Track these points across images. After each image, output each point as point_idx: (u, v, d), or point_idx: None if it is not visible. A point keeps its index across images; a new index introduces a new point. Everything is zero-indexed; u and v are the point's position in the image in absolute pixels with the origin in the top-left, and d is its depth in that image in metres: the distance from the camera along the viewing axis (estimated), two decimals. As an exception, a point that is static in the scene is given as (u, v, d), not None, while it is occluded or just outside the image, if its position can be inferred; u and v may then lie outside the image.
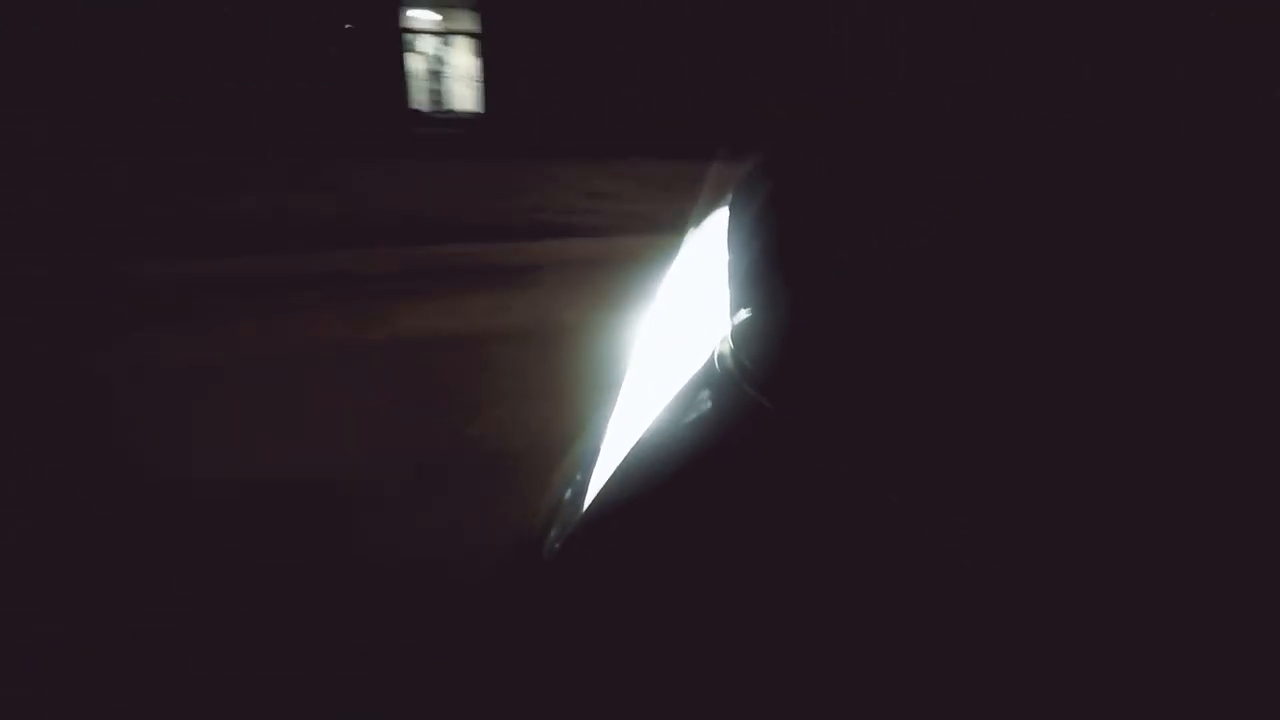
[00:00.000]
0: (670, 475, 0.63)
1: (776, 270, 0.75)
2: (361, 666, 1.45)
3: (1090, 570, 0.39)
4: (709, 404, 0.64)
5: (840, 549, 0.48)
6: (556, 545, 0.69)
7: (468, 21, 12.79)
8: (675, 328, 0.86)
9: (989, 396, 0.50)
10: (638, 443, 0.69)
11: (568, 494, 0.78)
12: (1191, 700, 0.35)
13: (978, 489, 0.45)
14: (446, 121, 13.04)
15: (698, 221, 0.96)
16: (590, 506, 0.69)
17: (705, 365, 0.68)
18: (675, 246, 0.97)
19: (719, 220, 0.89)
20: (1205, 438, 0.43)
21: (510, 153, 10.39)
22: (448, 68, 13.66)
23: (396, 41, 11.81)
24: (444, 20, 13.10)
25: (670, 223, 1.79)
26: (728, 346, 0.67)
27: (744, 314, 0.71)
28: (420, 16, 12.68)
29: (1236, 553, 0.38)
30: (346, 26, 10.90)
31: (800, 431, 0.56)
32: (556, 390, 2.59)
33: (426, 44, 13.27)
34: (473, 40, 12.58)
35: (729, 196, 0.91)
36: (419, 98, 12.93)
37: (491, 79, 12.12)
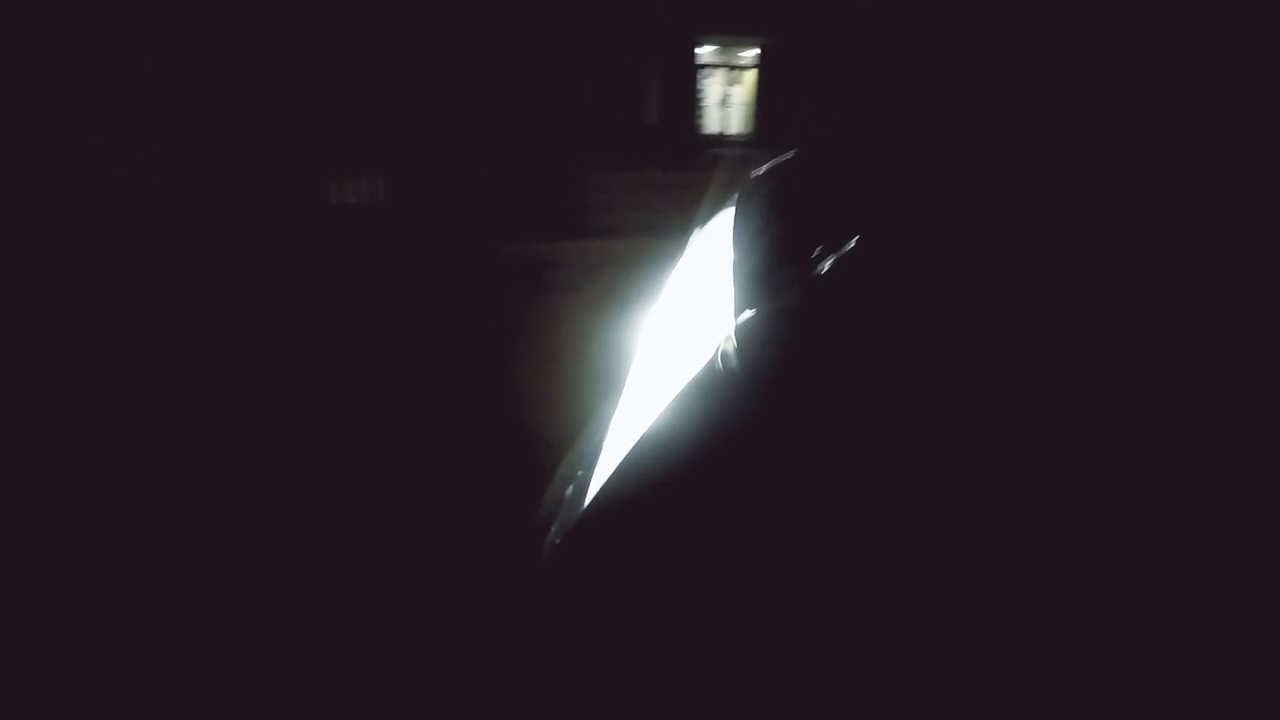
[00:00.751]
0: (671, 474, 0.63)
1: (781, 270, 0.75)
2: (362, 663, 1.46)
3: (1090, 570, 0.39)
4: (711, 403, 0.64)
5: (840, 548, 0.48)
6: (556, 540, 0.70)
7: (744, 58, 14.43)
8: (679, 327, 0.86)
9: (989, 397, 0.51)
10: (640, 441, 0.69)
11: (569, 490, 0.78)
12: (1191, 699, 0.35)
13: (976, 488, 0.45)
14: (725, 143, 14.66)
15: (703, 222, 0.96)
16: (591, 503, 0.70)
17: (708, 364, 0.68)
18: (680, 247, 0.98)
19: (724, 221, 0.89)
20: (1204, 438, 0.43)
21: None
22: (727, 97, 15.17)
23: (691, 77, 13.83)
24: (720, 54, 14.37)
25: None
26: (731, 345, 0.67)
27: (748, 314, 0.72)
28: (703, 53, 14.02)
29: (1235, 552, 0.38)
30: (650, 93, 13.17)
31: (801, 431, 0.56)
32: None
33: (711, 78, 14.78)
34: (746, 73, 14.28)
35: (735, 197, 0.91)
36: (703, 122, 14.68)
37: (762, 107, 14.02)
